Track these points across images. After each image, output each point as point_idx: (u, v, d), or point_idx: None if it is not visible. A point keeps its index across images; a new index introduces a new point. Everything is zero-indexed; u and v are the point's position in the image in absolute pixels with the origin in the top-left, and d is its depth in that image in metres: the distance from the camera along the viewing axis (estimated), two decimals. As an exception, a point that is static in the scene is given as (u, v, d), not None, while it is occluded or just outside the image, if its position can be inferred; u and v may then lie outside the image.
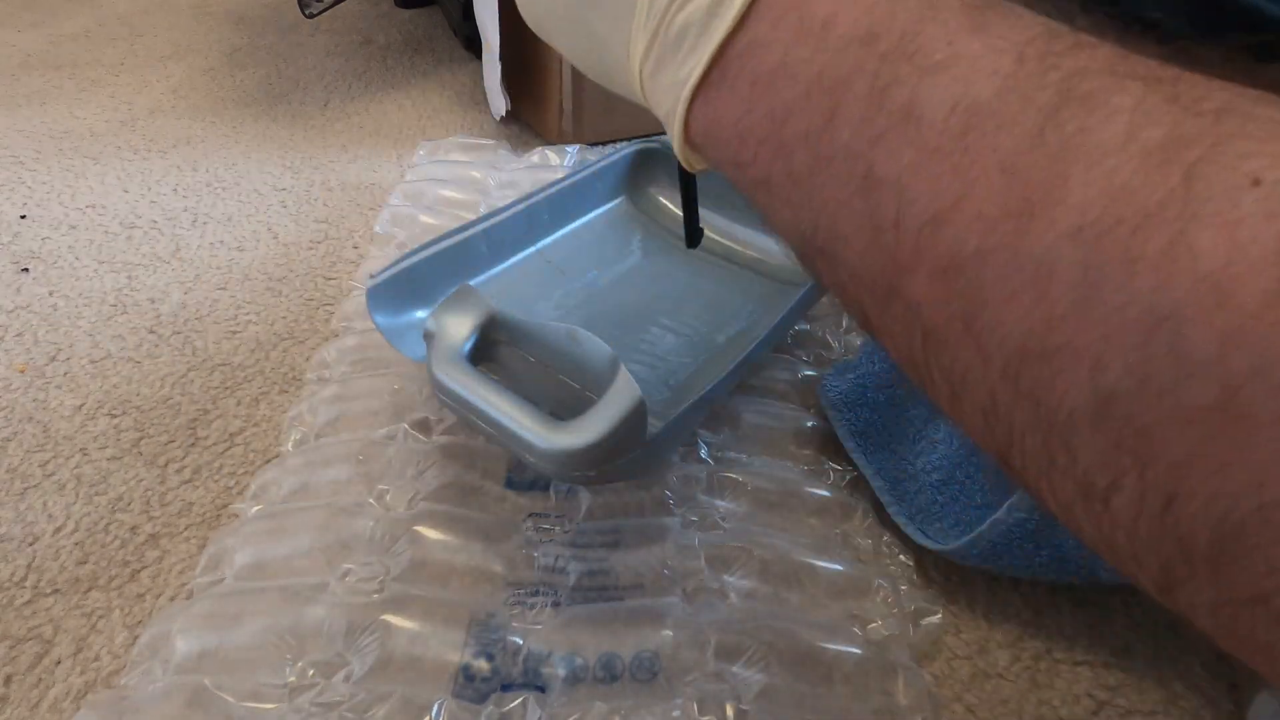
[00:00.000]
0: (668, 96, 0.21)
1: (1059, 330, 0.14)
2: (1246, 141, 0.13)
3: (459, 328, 0.35)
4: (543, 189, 0.50)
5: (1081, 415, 0.14)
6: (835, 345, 0.49)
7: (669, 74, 0.21)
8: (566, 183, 0.51)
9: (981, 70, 0.16)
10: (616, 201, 0.55)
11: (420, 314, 0.42)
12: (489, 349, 0.37)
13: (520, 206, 0.48)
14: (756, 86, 0.19)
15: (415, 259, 0.42)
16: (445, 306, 0.36)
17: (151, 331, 0.49)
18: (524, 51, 0.66)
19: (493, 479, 0.39)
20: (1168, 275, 0.13)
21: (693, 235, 0.38)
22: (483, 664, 0.32)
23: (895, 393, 0.43)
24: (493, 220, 0.46)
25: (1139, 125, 0.14)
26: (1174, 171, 0.13)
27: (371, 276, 0.40)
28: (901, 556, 0.38)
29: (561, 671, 0.31)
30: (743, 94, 0.20)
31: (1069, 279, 0.14)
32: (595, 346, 0.34)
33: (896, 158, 0.17)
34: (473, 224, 0.45)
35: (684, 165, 0.23)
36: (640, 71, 0.22)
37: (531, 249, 0.50)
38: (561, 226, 0.51)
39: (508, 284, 0.47)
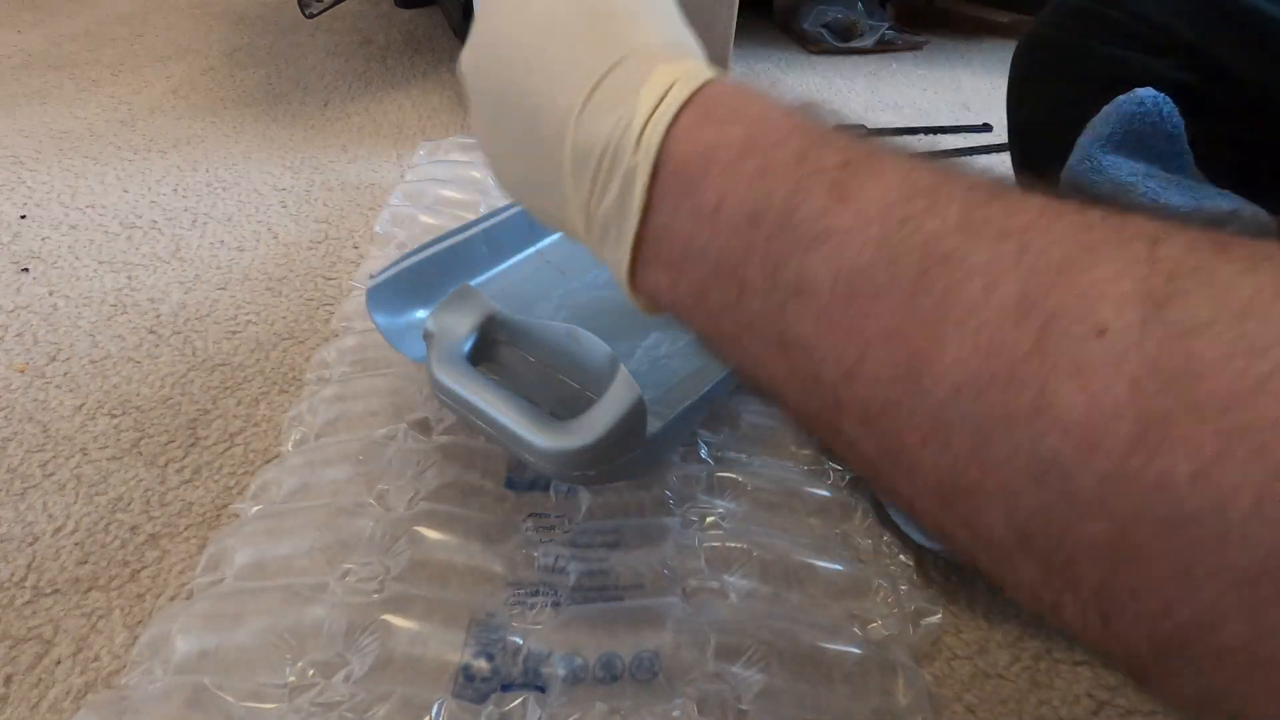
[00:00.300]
0: (614, 270, 0.23)
1: (967, 474, 0.15)
2: (1092, 287, 0.14)
3: (459, 328, 0.35)
4: (543, 189, 0.50)
5: (1010, 546, 0.15)
6: (835, 345, 0.49)
7: (608, 252, 0.23)
8: (566, 183, 0.51)
9: (852, 242, 0.17)
10: (616, 201, 0.55)
11: (420, 314, 0.42)
12: (489, 349, 0.37)
13: (520, 207, 0.48)
14: (674, 266, 0.21)
15: (415, 259, 0.42)
16: (445, 306, 0.36)
17: (151, 331, 0.49)
18: (524, 51, 0.66)
19: (493, 479, 0.39)
20: (1041, 427, 0.14)
21: None
22: (483, 664, 0.32)
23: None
24: (493, 220, 0.46)
25: (994, 283, 0.15)
26: (1030, 327, 0.14)
27: (371, 276, 0.40)
28: (901, 556, 0.38)
29: (561, 671, 0.31)
30: (667, 272, 0.22)
31: (963, 431, 0.15)
32: (595, 346, 0.34)
33: (800, 324, 0.18)
34: (473, 224, 0.45)
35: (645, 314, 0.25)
36: (591, 242, 0.24)
37: (531, 249, 0.50)
38: (561, 226, 0.51)
39: (508, 284, 0.47)
